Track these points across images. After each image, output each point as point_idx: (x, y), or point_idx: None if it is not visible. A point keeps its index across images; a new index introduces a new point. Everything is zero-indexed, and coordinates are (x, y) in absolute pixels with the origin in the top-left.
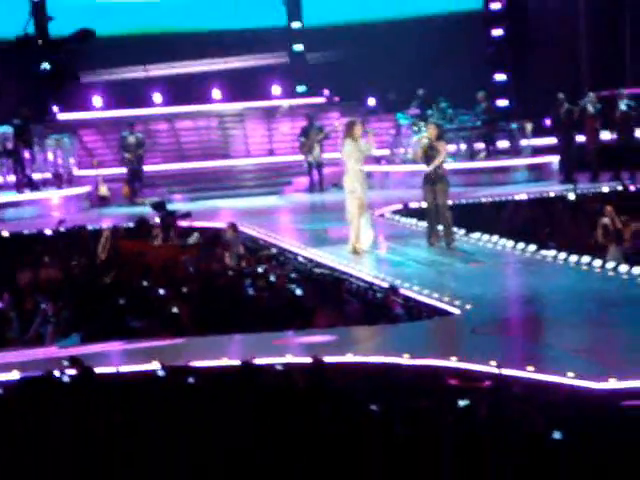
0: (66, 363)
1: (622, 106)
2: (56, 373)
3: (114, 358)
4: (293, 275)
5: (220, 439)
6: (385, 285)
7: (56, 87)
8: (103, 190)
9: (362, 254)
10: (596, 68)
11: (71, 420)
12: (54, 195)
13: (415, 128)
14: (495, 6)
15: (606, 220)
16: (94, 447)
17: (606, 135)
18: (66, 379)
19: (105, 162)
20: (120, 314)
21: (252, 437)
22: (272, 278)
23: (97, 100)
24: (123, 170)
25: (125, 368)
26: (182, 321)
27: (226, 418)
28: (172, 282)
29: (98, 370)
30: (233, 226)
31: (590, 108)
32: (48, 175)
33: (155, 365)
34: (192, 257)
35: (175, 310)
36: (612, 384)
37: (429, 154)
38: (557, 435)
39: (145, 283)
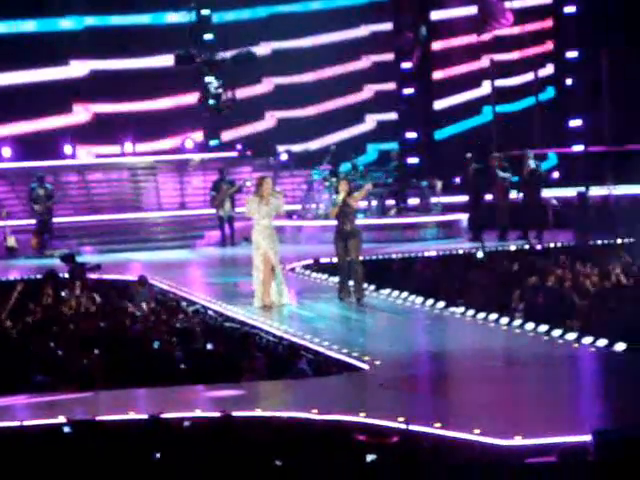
0: None
1: (530, 166)
2: None
3: (18, 412)
4: (202, 329)
5: None
6: (294, 340)
7: None
8: (11, 241)
9: (272, 309)
10: (504, 128)
11: None
12: None
13: (327, 183)
14: (406, 65)
15: (533, 279)
16: None
17: (513, 194)
18: None
19: (14, 213)
20: (25, 369)
21: None
22: (181, 332)
23: (6, 151)
24: (32, 221)
25: (30, 422)
26: (93, 375)
27: (135, 473)
28: (81, 335)
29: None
30: (143, 279)
31: (500, 174)
32: None
33: (61, 419)
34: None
35: (85, 363)
36: (517, 441)
37: (342, 210)
38: None
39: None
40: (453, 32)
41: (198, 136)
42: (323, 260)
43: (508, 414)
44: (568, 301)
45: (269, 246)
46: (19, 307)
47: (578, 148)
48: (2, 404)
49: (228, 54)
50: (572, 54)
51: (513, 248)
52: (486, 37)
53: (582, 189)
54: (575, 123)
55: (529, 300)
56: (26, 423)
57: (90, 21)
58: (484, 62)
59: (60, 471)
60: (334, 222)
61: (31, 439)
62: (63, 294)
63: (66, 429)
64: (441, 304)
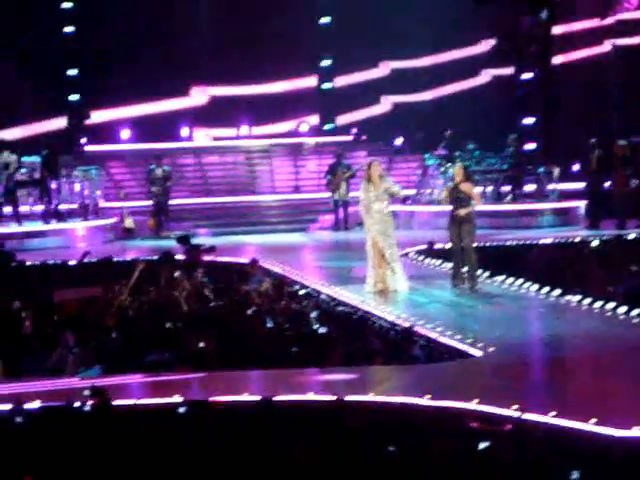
0: (87, 393)
1: None
2: (76, 404)
3: (134, 390)
4: (316, 312)
5: (237, 475)
6: (406, 325)
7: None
8: (128, 222)
9: (384, 294)
10: (626, 113)
11: (89, 451)
12: (79, 226)
13: (442, 169)
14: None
15: None
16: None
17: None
18: (87, 410)
19: (132, 194)
20: (140, 348)
21: (269, 474)
22: (294, 315)
23: (125, 133)
24: (149, 203)
25: (145, 401)
26: (207, 356)
27: (246, 453)
28: (194, 316)
29: (118, 402)
30: (254, 262)
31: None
32: (74, 206)
33: (176, 399)
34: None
35: (199, 343)
36: (635, 432)
37: (455, 196)
38: (575, 476)
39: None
40: (575, 16)
41: (314, 120)
42: (436, 246)
43: (625, 404)
44: None
45: (379, 231)
46: (137, 287)
47: None
48: (117, 382)
49: None
50: None
51: (632, 237)
52: (609, 21)
53: None
54: None
55: (627, 286)
56: (141, 402)
57: None
58: (606, 47)
59: (173, 450)
60: (447, 207)
61: (146, 418)
62: (177, 275)
63: (181, 409)
64: (557, 292)
